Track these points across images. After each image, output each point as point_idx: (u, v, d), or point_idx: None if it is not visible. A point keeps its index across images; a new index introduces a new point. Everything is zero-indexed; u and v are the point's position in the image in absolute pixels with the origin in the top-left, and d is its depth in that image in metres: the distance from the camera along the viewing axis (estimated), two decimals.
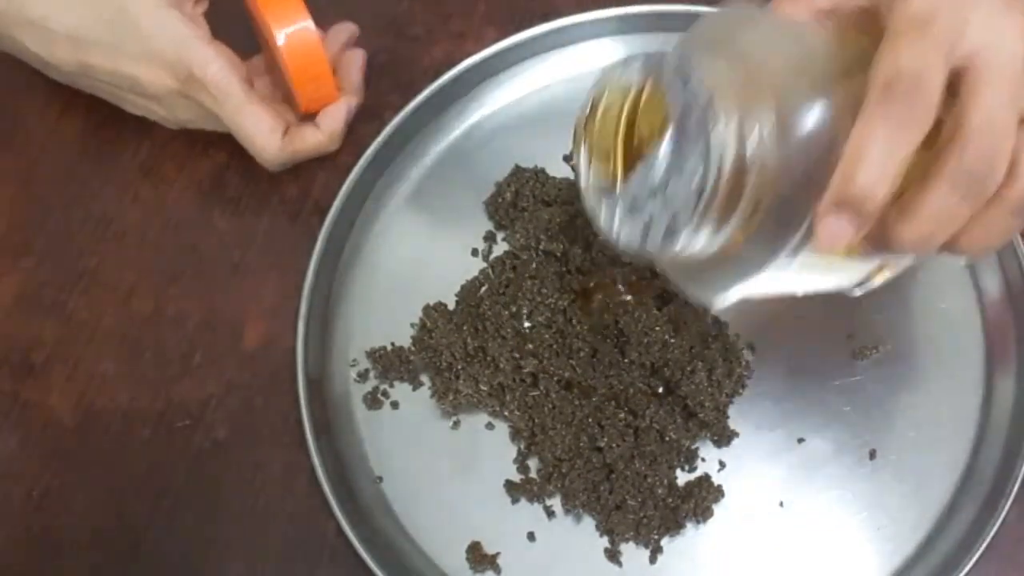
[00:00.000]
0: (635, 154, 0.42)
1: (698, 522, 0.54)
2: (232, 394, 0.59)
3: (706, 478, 0.55)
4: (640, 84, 0.42)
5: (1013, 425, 0.55)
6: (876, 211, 0.39)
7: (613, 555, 0.54)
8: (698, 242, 0.40)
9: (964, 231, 0.41)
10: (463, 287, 0.60)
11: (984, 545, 0.52)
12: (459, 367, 0.57)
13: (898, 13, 0.40)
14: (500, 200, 0.61)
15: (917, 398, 0.56)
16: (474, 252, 0.61)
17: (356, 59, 0.63)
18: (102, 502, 0.58)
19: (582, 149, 0.44)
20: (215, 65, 0.57)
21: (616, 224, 0.43)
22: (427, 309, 0.59)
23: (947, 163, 0.39)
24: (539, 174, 0.61)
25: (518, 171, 0.62)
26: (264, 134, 0.58)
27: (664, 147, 0.40)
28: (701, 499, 0.54)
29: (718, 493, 0.55)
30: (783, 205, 0.40)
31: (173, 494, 0.57)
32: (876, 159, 0.38)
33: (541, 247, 0.59)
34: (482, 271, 0.60)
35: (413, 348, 0.59)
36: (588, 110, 0.43)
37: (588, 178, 0.44)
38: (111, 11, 0.56)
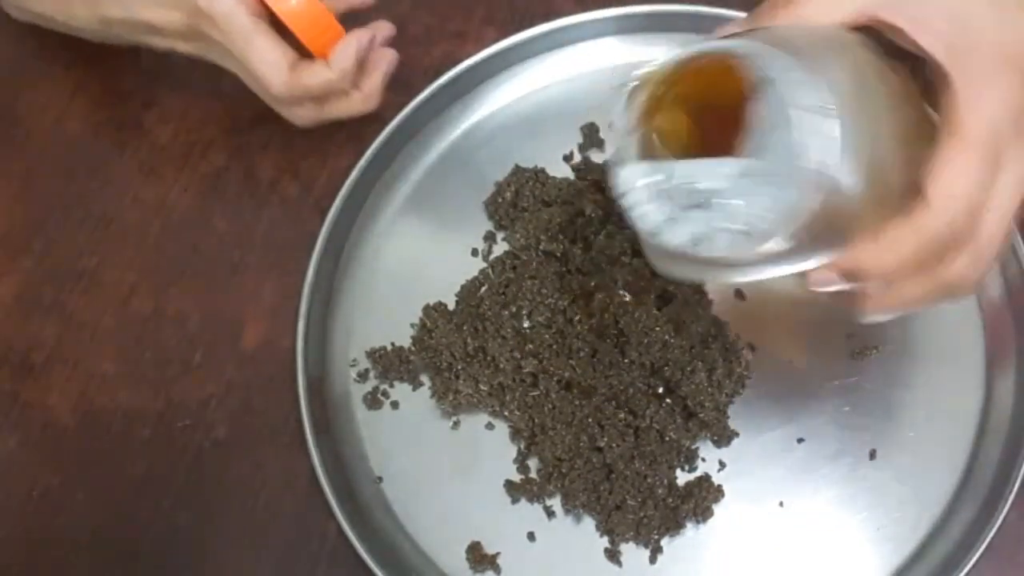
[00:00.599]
0: (703, 142, 0.40)
1: (698, 522, 0.54)
2: (232, 394, 0.59)
3: (706, 478, 0.55)
4: (732, 67, 0.40)
5: (1013, 425, 0.55)
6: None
7: (613, 555, 0.54)
8: (760, 257, 0.40)
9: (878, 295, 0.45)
10: (463, 287, 0.60)
11: (984, 545, 0.52)
12: (459, 367, 0.57)
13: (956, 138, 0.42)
14: (500, 200, 0.61)
15: (917, 398, 0.56)
16: (474, 252, 0.61)
17: (385, 58, 0.61)
18: (102, 502, 0.58)
19: (636, 113, 0.41)
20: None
21: (661, 217, 0.40)
22: (427, 309, 0.59)
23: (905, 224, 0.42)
24: (539, 174, 0.61)
25: (518, 171, 0.62)
26: (269, 64, 0.57)
27: (756, 153, 0.39)
28: (701, 499, 0.54)
29: (718, 493, 0.55)
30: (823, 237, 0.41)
31: (173, 494, 0.57)
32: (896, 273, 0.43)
33: (541, 247, 0.59)
34: (482, 271, 0.60)
35: (413, 348, 0.59)
36: (654, 74, 0.41)
37: (631, 150, 0.41)
38: None
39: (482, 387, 0.57)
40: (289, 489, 0.57)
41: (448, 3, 0.68)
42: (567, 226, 0.59)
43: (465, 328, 0.58)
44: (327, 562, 0.56)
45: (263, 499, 0.57)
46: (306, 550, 0.56)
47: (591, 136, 0.63)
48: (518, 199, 0.61)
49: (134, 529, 0.57)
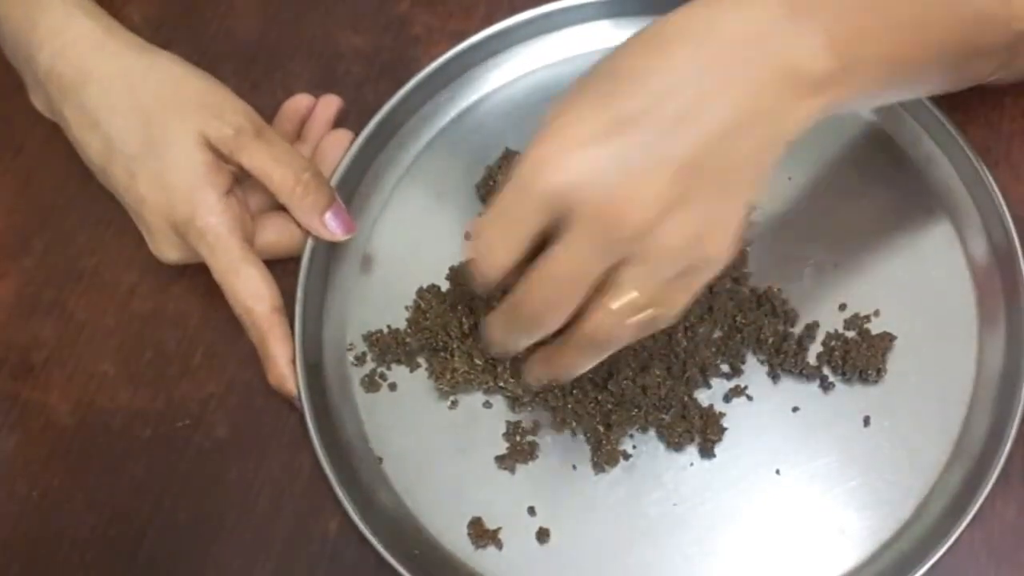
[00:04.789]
0: None
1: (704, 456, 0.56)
2: (232, 394, 0.59)
3: (711, 409, 0.56)
4: None
5: (1002, 389, 0.55)
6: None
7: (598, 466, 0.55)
8: None
9: (540, 359, 0.50)
10: (453, 268, 0.60)
11: (975, 509, 0.52)
12: (454, 345, 0.58)
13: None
14: (491, 183, 0.61)
15: (909, 365, 0.57)
16: (467, 236, 0.61)
17: (342, 141, 0.62)
18: (102, 502, 0.58)
19: None
20: (217, 217, 0.56)
21: None
22: (421, 291, 0.59)
23: (508, 299, 0.47)
24: None
25: (508, 154, 0.62)
26: (253, 298, 0.57)
27: None
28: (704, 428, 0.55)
29: (721, 431, 0.55)
30: None
31: (173, 494, 0.57)
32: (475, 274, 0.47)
33: None
34: None
35: (408, 330, 0.59)
36: None
37: None
38: (152, 128, 0.56)
39: (476, 362, 0.57)
40: (289, 489, 0.57)
41: (448, 3, 0.68)
42: None
43: (459, 308, 0.58)
44: (328, 562, 0.56)
45: (263, 499, 0.57)
46: (306, 550, 0.56)
47: None
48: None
49: (134, 529, 0.57)
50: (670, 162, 0.43)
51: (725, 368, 0.57)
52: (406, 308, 0.60)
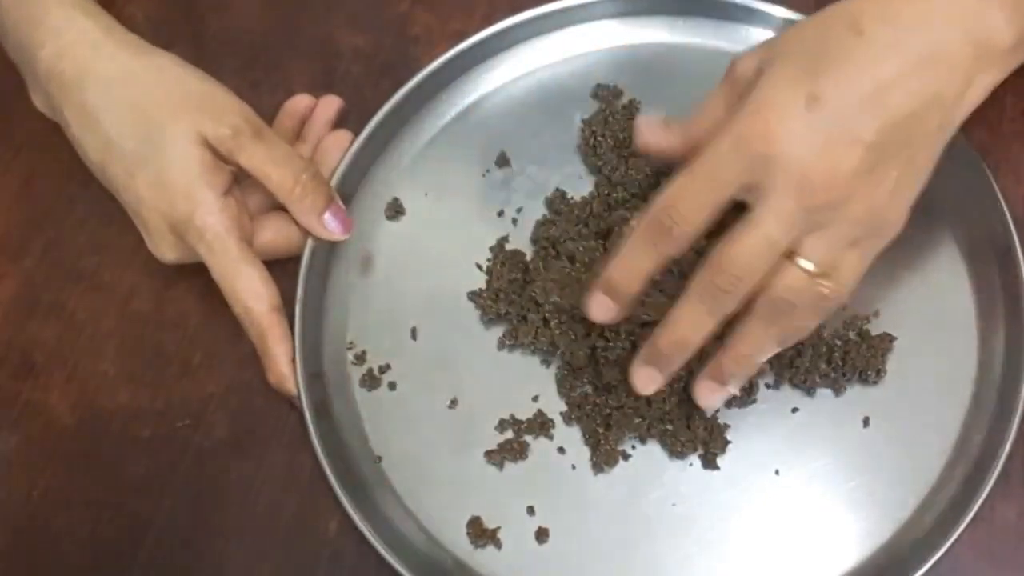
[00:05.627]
0: None
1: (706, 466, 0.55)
2: (232, 394, 0.59)
3: (715, 420, 0.56)
4: None
5: (1003, 390, 0.55)
6: (626, 296, 0.51)
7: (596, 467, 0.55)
8: None
9: (727, 348, 0.51)
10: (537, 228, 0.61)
11: (973, 512, 0.52)
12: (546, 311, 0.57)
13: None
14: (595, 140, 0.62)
15: (909, 366, 0.57)
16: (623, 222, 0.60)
17: (341, 142, 0.63)
18: (102, 502, 0.58)
19: None
20: (215, 217, 0.56)
21: None
22: (497, 249, 0.60)
23: (696, 278, 0.49)
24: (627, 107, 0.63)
25: (503, 156, 0.63)
26: (252, 297, 0.57)
27: None
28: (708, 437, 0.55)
29: (724, 443, 0.55)
30: None
31: (173, 494, 0.57)
32: (626, 264, 0.50)
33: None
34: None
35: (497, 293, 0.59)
36: None
37: None
38: (151, 128, 0.56)
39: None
40: (290, 488, 0.57)
41: (448, 3, 0.68)
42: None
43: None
44: (327, 562, 0.56)
45: (263, 499, 0.57)
46: (306, 550, 0.56)
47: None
48: (620, 142, 0.61)
49: (134, 529, 0.57)
50: (867, 136, 0.47)
51: (738, 392, 0.56)
52: (406, 307, 0.60)
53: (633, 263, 0.50)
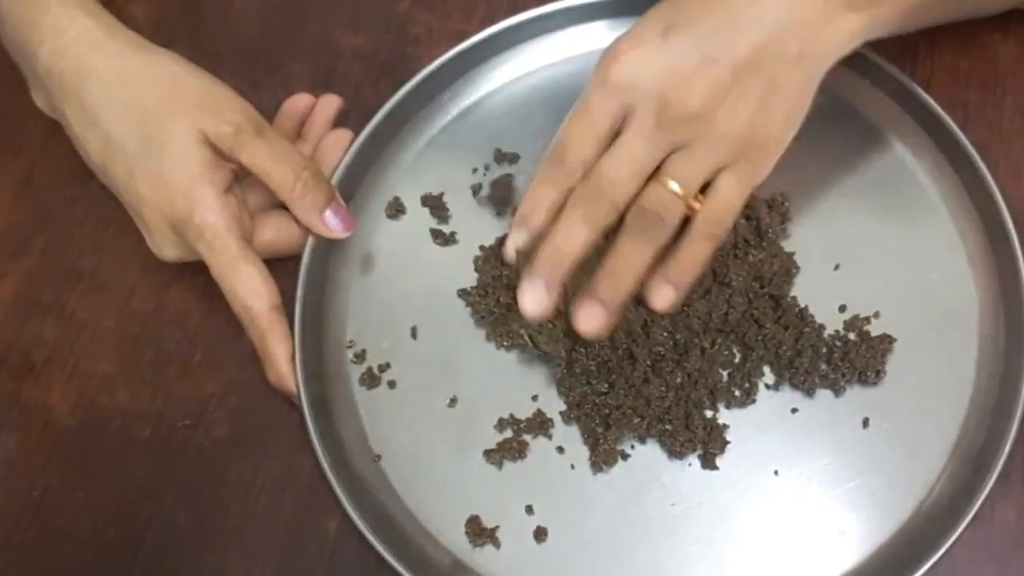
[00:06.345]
0: None
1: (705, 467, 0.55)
2: (232, 394, 0.59)
3: (715, 420, 0.56)
4: None
5: (1002, 389, 0.55)
6: (534, 229, 0.53)
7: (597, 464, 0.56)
8: None
9: (602, 265, 0.52)
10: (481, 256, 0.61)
11: (974, 511, 0.52)
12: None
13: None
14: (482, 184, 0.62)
15: (909, 366, 0.57)
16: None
17: (341, 141, 0.63)
18: (102, 502, 0.58)
19: None
20: (215, 215, 0.56)
21: None
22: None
23: (573, 192, 0.53)
24: None
25: (499, 155, 0.63)
26: (252, 296, 0.57)
27: None
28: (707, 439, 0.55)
29: (723, 443, 0.55)
30: None
31: (173, 494, 0.57)
32: (533, 198, 0.53)
33: None
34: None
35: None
36: None
37: None
38: (151, 126, 0.56)
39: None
40: (289, 489, 0.57)
41: (448, 3, 0.68)
42: None
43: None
44: (327, 562, 0.56)
45: (263, 499, 0.57)
46: (306, 550, 0.56)
47: None
48: None
49: (134, 529, 0.57)
50: (722, 58, 0.51)
51: (737, 393, 0.57)
52: (404, 307, 0.60)
53: (537, 196, 0.53)
